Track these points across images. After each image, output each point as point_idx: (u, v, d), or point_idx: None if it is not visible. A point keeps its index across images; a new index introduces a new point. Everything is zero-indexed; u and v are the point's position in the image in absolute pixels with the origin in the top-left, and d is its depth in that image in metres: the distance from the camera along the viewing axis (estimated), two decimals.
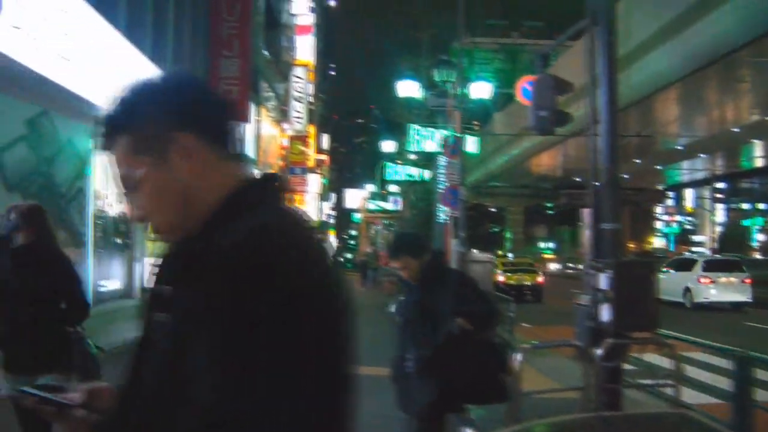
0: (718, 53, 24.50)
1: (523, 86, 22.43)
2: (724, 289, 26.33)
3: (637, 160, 53.21)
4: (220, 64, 21.28)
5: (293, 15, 34.20)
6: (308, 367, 1.30)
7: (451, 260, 18.02)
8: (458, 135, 19.01)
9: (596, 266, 7.91)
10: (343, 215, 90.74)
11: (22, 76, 9.73)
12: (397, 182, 42.16)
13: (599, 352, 7.45)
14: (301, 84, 34.92)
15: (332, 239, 76.65)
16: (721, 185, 76.85)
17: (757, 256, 74.79)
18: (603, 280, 7.78)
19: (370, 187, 55.68)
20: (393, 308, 16.42)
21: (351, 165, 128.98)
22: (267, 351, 1.26)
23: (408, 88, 21.44)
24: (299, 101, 34.85)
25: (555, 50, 22.31)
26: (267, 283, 1.28)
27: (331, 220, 73.75)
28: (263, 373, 1.25)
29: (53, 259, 5.07)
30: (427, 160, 34.86)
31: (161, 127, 1.51)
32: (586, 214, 8.91)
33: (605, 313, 7.74)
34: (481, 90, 20.32)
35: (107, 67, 12.46)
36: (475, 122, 38.10)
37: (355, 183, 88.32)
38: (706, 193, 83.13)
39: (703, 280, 26.76)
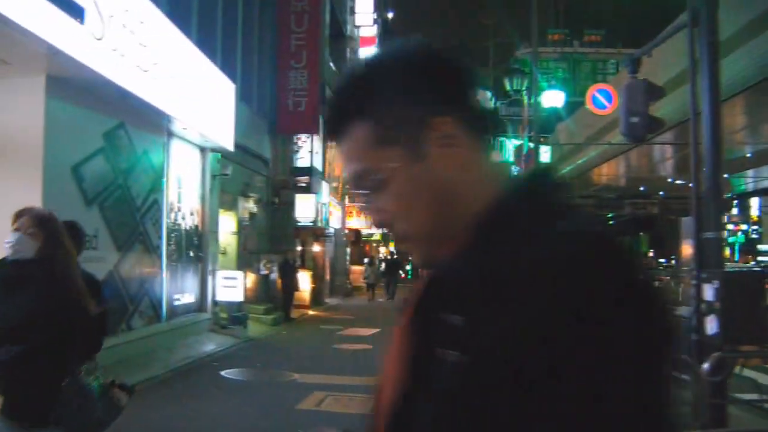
0: None
1: (593, 94, 21.81)
2: None
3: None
4: (289, 75, 21.17)
5: (357, 27, 34.10)
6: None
7: None
8: (532, 144, 18.62)
9: (702, 277, 7.45)
10: None
11: (101, 87, 9.63)
12: None
13: (705, 366, 6.96)
14: None
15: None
16: None
17: None
18: (709, 291, 7.33)
19: None
20: None
21: None
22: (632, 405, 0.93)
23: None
24: None
25: (621, 59, 21.80)
26: (623, 313, 0.93)
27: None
28: None
29: (42, 278, 3.67)
30: None
31: (414, 109, 1.14)
32: (687, 222, 8.42)
33: (711, 326, 7.29)
34: (553, 99, 19.86)
35: (182, 78, 12.35)
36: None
37: None
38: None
39: None
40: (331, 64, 27.93)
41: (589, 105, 21.58)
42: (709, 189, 7.85)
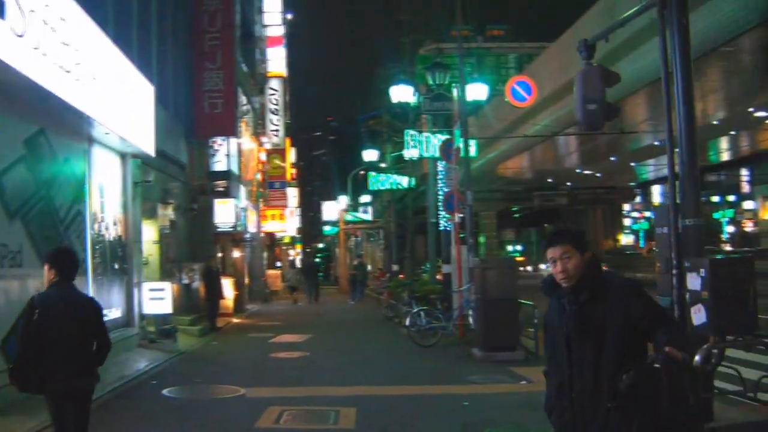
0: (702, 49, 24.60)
1: (513, 87, 21.69)
2: None
3: (613, 158, 53.49)
4: (204, 77, 20.41)
5: (265, 26, 33.40)
6: None
7: (462, 268, 17.37)
8: (458, 138, 18.35)
9: (686, 266, 7.21)
10: (308, 228, 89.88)
11: (22, 89, 8.84)
12: (378, 192, 41.58)
13: (697, 358, 6.66)
14: (277, 96, 34.11)
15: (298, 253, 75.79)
16: None
17: (728, 247, 75.37)
18: (694, 281, 7.09)
19: (344, 199, 55.08)
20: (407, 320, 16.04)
21: (310, 178, 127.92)
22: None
23: (402, 93, 20.63)
24: (275, 113, 34.03)
25: (523, 53, 21.95)
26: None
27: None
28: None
29: None
30: (413, 166, 34.25)
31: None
32: (661, 210, 8.18)
33: (698, 316, 7.05)
34: (476, 92, 19.62)
35: (104, 80, 11.57)
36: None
37: (324, 196, 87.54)
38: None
39: None
40: (243, 66, 27.20)
41: (508, 97, 21.43)
42: (687, 175, 7.65)
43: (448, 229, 20.32)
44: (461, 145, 17.98)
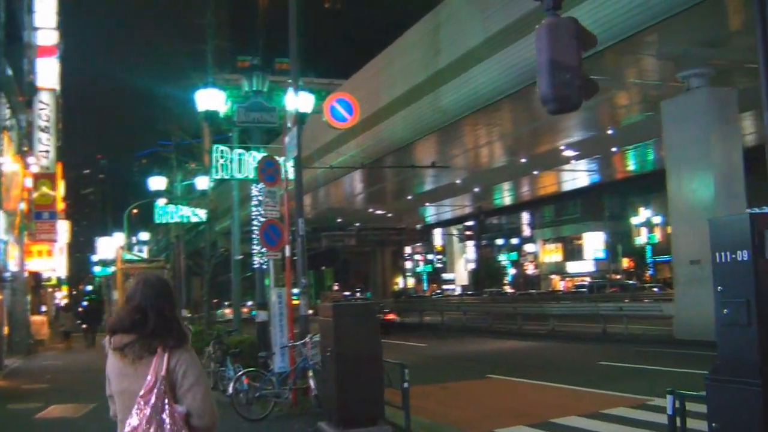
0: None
1: (332, 105, 18.43)
2: None
3: (409, 197, 52.48)
4: None
5: (36, 29, 28.50)
6: None
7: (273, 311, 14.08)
8: (282, 160, 15.14)
9: None
10: (74, 269, 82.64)
11: None
12: (164, 226, 37.30)
13: None
14: (47, 111, 29.23)
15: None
16: (470, 223, 77.97)
17: (508, 289, 76.52)
18: None
19: (120, 236, 49.84)
20: None
21: (76, 218, 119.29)
22: None
23: (210, 100, 17.02)
24: (45, 131, 29.13)
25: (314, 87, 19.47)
26: None
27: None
28: None
29: None
30: (202, 196, 30.45)
31: None
32: None
33: None
34: (301, 103, 16.42)
35: None
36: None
37: (95, 233, 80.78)
38: (454, 231, 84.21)
39: None
40: (8, 69, 22.55)
41: (327, 117, 18.16)
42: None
43: (264, 267, 16.91)
44: (288, 164, 14.77)
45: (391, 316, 39.58)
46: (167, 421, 3.36)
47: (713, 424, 5.21)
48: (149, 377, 3.37)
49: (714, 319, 17.32)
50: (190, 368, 3.48)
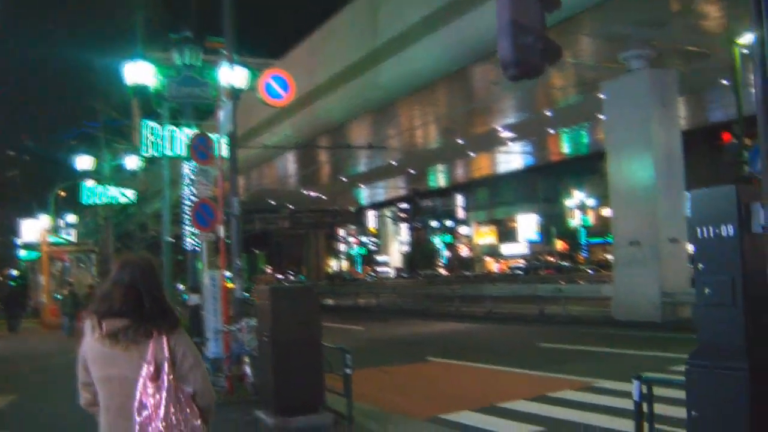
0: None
1: (267, 82, 17.65)
2: None
3: (344, 179, 51.93)
4: None
5: None
6: None
7: (204, 295, 13.43)
8: (216, 136, 14.42)
9: None
10: None
11: None
12: (91, 208, 35.84)
13: None
14: None
15: None
16: (404, 205, 77.86)
17: (442, 272, 76.67)
18: None
19: (45, 218, 48.07)
20: None
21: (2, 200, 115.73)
22: None
23: (139, 73, 16.15)
24: None
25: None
26: None
27: None
28: None
29: None
30: (132, 176, 29.46)
31: None
32: None
33: None
34: (236, 78, 15.69)
35: None
36: None
37: (19, 215, 78.06)
38: (388, 213, 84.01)
39: None
40: None
41: (261, 94, 17.38)
42: None
43: (196, 249, 16.20)
44: (222, 142, 14.11)
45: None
46: (183, 401, 3.35)
47: (692, 413, 4.82)
48: (147, 362, 3.30)
49: (655, 299, 17.12)
50: (188, 350, 3.45)
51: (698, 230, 4.89)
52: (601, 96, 24.95)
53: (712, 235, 4.80)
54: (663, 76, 22.87)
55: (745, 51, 20.89)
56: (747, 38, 20.34)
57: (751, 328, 4.64)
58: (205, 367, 3.61)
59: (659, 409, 6.08)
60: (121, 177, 31.40)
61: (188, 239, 16.23)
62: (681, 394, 5.03)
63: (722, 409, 4.63)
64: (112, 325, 3.34)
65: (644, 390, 5.81)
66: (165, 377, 3.31)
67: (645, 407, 5.84)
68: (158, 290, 3.50)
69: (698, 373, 4.81)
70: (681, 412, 7.98)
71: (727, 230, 4.71)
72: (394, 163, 45.12)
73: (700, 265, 4.89)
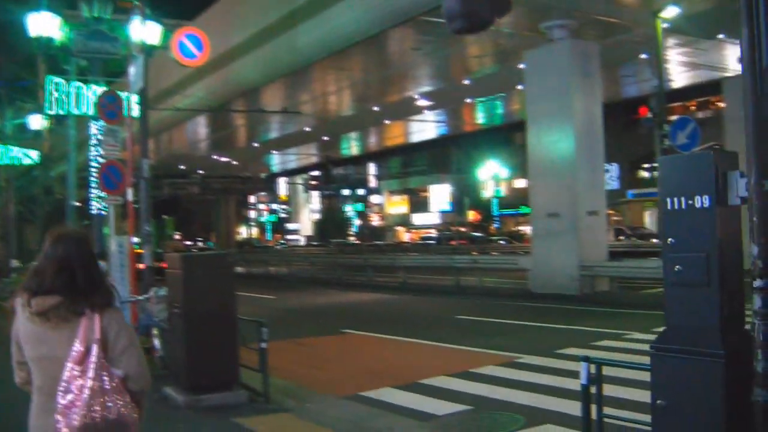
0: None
1: (180, 40, 16.65)
2: None
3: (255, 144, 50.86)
4: None
5: None
6: None
7: (114, 263, 12.61)
8: (127, 94, 13.47)
9: None
10: None
11: None
12: None
13: None
14: None
15: None
16: (316, 173, 77.06)
17: (354, 240, 76.33)
18: None
19: None
20: None
21: None
22: None
23: (44, 24, 14.95)
24: None
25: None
26: None
27: None
28: None
29: None
30: (36, 137, 27.87)
31: None
32: None
33: None
34: (148, 33, 14.72)
35: None
36: None
37: None
38: (300, 180, 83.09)
39: None
40: None
41: (175, 53, 16.42)
42: None
43: (103, 213, 15.23)
44: (132, 101, 13.19)
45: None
46: (108, 386, 3.11)
47: (658, 401, 4.38)
48: (77, 341, 3.11)
49: (573, 272, 16.85)
50: (122, 329, 3.26)
51: (668, 201, 4.42)
52: (522, 66, 24.66)
53: (684, 206, 4.34)
54: (585, 47, 22.69)
55: (665, 25, 20.85)
56: (669, 12, 20.31)
57: (726, 309, 4.22)
58: (141, 349, 3.39)
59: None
60: (24, 137, 29.77)
61: (95, 203, 15.29)
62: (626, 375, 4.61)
63: (694, 397, 4.20)
64: (43, 303, 3.16)
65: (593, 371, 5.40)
66: (90, 361, 3.10)
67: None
68: (93, 266, 3.31)
69: (666, 358, 4.37)
70: (629, 393, 7.77)
71: (702, 201, 4.25)
72: (307, 129, 44.26)
73: (670, 240, 4.43)
